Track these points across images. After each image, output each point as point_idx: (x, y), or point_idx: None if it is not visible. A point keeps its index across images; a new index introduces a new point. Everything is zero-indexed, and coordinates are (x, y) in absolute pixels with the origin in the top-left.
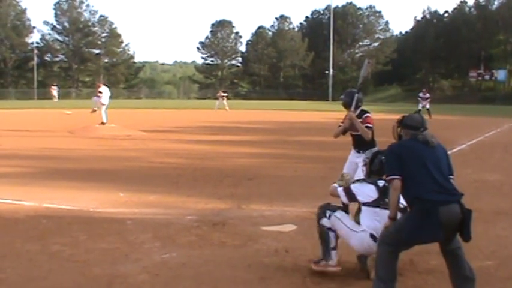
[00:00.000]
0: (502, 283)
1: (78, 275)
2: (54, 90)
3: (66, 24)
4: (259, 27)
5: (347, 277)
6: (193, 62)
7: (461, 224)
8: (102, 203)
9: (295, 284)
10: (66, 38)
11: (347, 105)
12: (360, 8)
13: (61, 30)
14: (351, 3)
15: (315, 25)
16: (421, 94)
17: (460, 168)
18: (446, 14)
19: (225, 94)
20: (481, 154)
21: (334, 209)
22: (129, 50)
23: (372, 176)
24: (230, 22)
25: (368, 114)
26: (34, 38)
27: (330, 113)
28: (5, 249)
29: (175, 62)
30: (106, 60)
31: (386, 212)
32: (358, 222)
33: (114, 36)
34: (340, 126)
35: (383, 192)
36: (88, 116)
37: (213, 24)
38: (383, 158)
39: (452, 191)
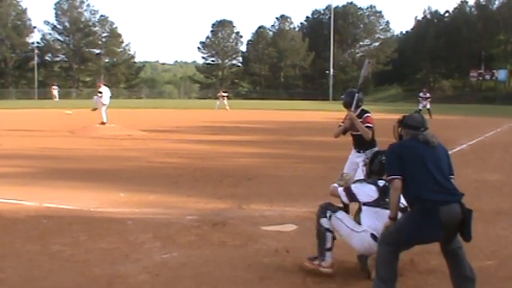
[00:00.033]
0: (502, 283)
1: (78, 275)
2: (55, 90)
3: (66, 24)
4: (260, 27)
5: (348, 277)
6: (194, 61)
7: (461, 224)
8: (102, 202)
9: (295, 284)
10: (67, 38)
11: (347, 105)
12: (360, 8)
13: (62, 30)
14: (351, 3)
15: (315, 25)
16: (421, 94)
17: (461, 168)
18: (446, 14)
19: (226, 94)
20: (482, 154)
21: (335, 209)
22: (129, 50)
23: (372, 176)
24: (231, 22)
25: (368, 114)
26: (35, 38)
27: (331, 113)
28: (5, 249)
29: (176, 61)
30: (106, 60)
31: (387, 212)
32: (358, 222)
33: (114, 36)
34: (340, 126)
35: (383, 192)
36: (88, 116)
37: (213, 24)
38: (383, 158)
39: (452, 191)
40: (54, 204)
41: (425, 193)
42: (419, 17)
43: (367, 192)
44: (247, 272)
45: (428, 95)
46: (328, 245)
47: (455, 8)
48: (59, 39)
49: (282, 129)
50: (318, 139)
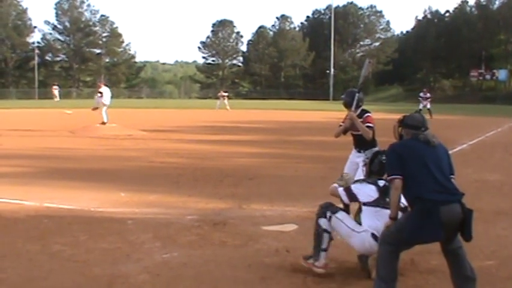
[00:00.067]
0: (502, 283)
1: (78, 275)
2: (56, 90)
3: (67, 23)
4: (260, 27)
5: (348, 277)
6: (194, 61)
7: (462, 223)
8: (102, 202)
9: (295, 284)
10: (67, 38)
11: (348, 105)
12: (360, 8)
13: (62, 30)
14: (351, 2)
15: (316, 25)
16: (421, 94)
17: (461, 168)
18: (447, 14)
19: (226, 94)
20: (482, 154)
21: (335, 210)
22: (130, 50)
23: (372, 176)
24: (231, 22)
25: (369, 114)
26: (35, 38)
27: (331, 113)
28: (5, 249)
29: (176, 61)
30: (107, 60)
31: (387, 212)
32: (359, 223)
33: (115, 36)
34: (341, 125)
35: (383, 191)
36: (89, 116)
37: (214, 24)
38: (383, 158)
39: (453, 190)
40: (54, 204)
41: (425, 193)
42: (420, 17)
43: (367, 192)
44: (247, 271)
45: (428, 95)
46: (324, 245)
47: (455, 8)
48: (59, 39)
49: (283, 129)
50: (318, 139)
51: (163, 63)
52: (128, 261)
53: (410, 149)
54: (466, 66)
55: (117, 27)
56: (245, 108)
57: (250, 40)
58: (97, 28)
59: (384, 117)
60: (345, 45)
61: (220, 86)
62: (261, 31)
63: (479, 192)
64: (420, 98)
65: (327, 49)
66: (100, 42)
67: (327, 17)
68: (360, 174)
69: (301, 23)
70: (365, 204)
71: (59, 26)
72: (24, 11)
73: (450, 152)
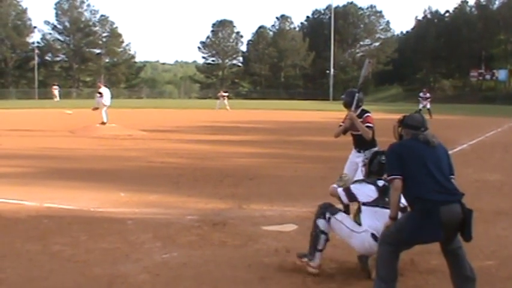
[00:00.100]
0: (502, 283)
1: (78, 275)
2: (56, 90)
3: (67, 24)
4: (260, 27)
5: (348, 277)
6: (194, 61)
7: (462, 223)
8: (102, 202)
9: (295, 284)
10: (67, 38)
11: (348, 105)
12: (360, 8)
13: (62, 30)
14: (351, 3)
15: (315, 25)
16: (421, 94)
17: (461, 168)
18: (447, 14)
19: (226, 94)
20: (482, 154)
21: (334, 211)
22: (130, 50)
23: (371, 176)
24: (231, 22)
25: (369, 114)
26: (35, 38)
27: (331, 113)
28: (6, 249)
29: (176, 61)
30: (107, 60)
31: (387, 212)
32: (358, 223)
33: (115, 36)
34: (340, 125)
35: (383, 191)
36: (89, 116)
37: (214, 24)
38: (382, 158)
39: (453, 190)
40: (54, 204)
41: (425, 193)
42: (420, 17)
43: (366, 192)
44: (247, 272)
45: (428, 95)
46: (320, 246)
47: (455, 8)
48: (59, 39)
49: (282, 129)
50: (318, 139)
51: (163, 63)
52: (128, 261)
53: (410, 149)
54: (466, 66)
55: (117, 27)
56: (245, 108)
57: (250, 40)
58: (97, 28)
59: (383, 117)
60: (345, 45)
61: (220, 86)
62: (260, 31)
63: (479, 192)
64: (420, 98)
65: (326, 49)
66: (100, 42)
67: (327, 17)
68: (360, 175)
69: (301, 23)
70: (364, 204)
71: (58, 26)
72: (24, 11)
73: (450, 152)
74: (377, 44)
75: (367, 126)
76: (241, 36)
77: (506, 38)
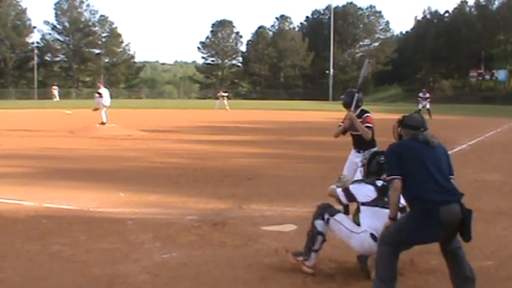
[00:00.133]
0: (502, 283)
1: (78, 275)
2: (55, 90)
3: (66, 24)
4: (260, 27)
5: (347, 277)
6: (194, 61)
7: (461, 224)
8: (102, 203)
9: (295, 284)
10: (67, 38)
11: (347, 105)
12: (360, 8)
13: (61, 30)
14: (351, 3)
15: (315, 25)
16: (421, 94)
17: (461, 168)
18: (446, 14)
19: (226, 94)
20: (481, 154)
21: (333, 212)
22: (129, 50)
23: (370, 176)
24: (230, 22)
25: (368, 114)
26: (34, 38)
27: (330, 113)
28: (5, 249)
29: (176, 61)
30: (106, 60)
31: (386, 212)
32: (357, 223)
33: (114, 36)
34: (340, 126)
35: (382, 191)
36: (88, 116)
37: (213, 24)
38: (381, 158)
39: (452, 191)
40: (54, 204)
41: (425, 193)
42: (419, 17)
43: (365, 192)
44: (247, 272)
45: (427, 95)
46: (316, 247)
47: (455, 8)
48: (58, 39)
49: (282, 129)
50: (318, 139)
51: (163, 64)
52: (128, 262)
53: (410, 149)
54: (466, 66)
55: (116, 28)
56: (244, 109)
57: (249, 40)
58: (96, 28)
59: (383, 117)
60: (345, 46)
61: (220, 86)
62: (260, 31)
63: (479, 192)
64: (419, 98)
65: (326, 49)
66: (99, 42)
67: (327, 17)
68: (359, 175)
69: (301, 23)
70: (363, 204)
71: (58, 26)
72: (24, 11)
73: (450, 152)
74: (376, 44)
75: (367, 127)
76: (241, 37)
77: (505, 38)
